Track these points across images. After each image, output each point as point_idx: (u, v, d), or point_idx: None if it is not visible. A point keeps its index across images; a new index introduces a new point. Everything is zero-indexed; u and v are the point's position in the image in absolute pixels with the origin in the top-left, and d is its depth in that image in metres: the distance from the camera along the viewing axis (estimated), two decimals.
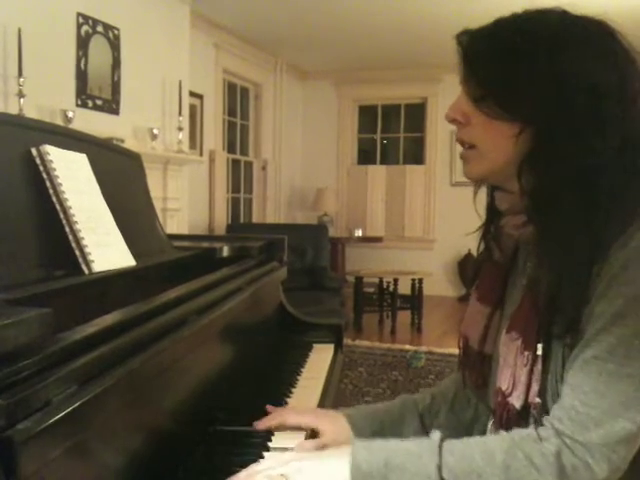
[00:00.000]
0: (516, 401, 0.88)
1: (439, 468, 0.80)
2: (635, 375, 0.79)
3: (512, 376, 0.89)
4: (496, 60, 0.87)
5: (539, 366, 0.86)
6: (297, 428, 1.05)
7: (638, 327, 0.79)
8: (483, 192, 1.02)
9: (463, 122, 0.91)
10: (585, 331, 0.82)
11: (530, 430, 0.83)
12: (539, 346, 0.86)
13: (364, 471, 0.82)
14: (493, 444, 0.83)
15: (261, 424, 1.05)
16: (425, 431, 1.06)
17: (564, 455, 0.79)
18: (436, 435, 0.85)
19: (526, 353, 0.87)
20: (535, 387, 0.86)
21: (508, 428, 0.87)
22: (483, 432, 1.00)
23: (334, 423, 1.05)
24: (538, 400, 0.85)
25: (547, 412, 0.84)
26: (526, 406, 0.87)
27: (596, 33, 0.86)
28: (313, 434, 1.04)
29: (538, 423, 0.84)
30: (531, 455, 0.80)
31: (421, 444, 0.84)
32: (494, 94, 0.87)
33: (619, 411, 0.78)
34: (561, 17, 0.88)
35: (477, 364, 1.01)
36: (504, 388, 0.90)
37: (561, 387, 0.83)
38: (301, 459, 0.85)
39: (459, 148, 0.95)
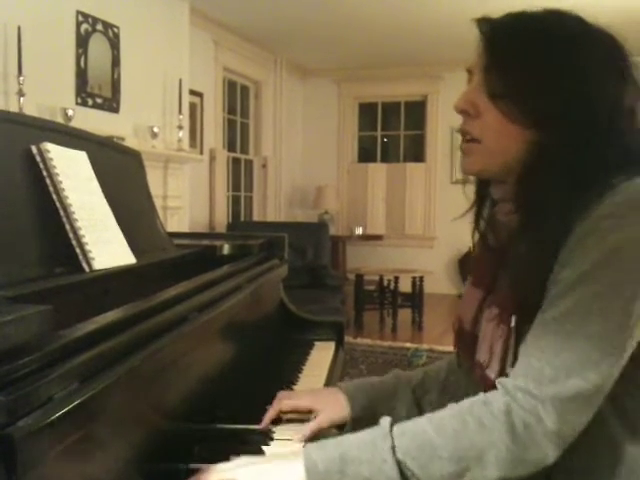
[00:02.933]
0: (492, 373, 0.89)
1: (393, 450, 0.79)
2: (592, 336, 0.79)
3: (489, 349, 0.91)
4: (522, 62, 0.86)
5: (513, 338, 0.87)
6: (295, 412, 1.06)
7: (597, 290, 0.80)
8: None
9: (473, 114, 0.90)
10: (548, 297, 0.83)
11: (480, 395, 0.84)
12: (513, 318, 0.87)
13: (320, 470, 0.79)
14: (443, 415, 0.83)
15: (263, 422, 1.05)
16: (417, 404, 1.09)
17: (514, 412, 0.79)
18: (385, 420, 0.84)
19: (502, 326, 0.89)
20: (510, 359, 0.87)
21: None
22: None
23: (331, 401, 1.06)
24: (509, 371, 0.86)
25: None
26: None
27: (610, 48, 0.87)
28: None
29: None
30: (481, 418, 0.80)
31: (372, 432, 0.83)
32: (516, 95, 0.86)
33: (573, 369, 0.79)
34: (580, 27, 0.87)
35: (468, 344, 1.02)
36: (482, 360, 0.93)
37: None
38: (252, 463, 0.83)
39: (459, 145, 0.95)
